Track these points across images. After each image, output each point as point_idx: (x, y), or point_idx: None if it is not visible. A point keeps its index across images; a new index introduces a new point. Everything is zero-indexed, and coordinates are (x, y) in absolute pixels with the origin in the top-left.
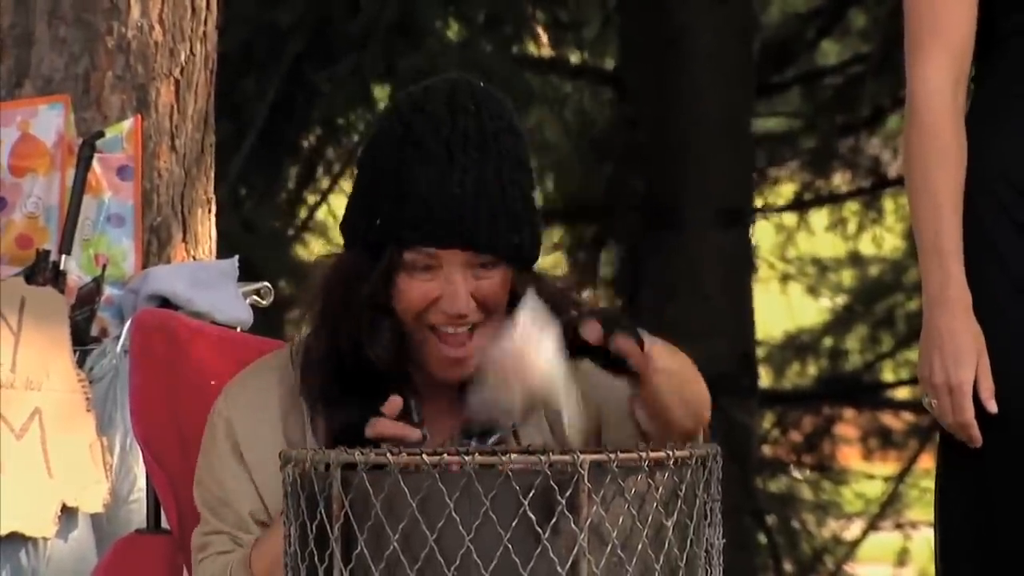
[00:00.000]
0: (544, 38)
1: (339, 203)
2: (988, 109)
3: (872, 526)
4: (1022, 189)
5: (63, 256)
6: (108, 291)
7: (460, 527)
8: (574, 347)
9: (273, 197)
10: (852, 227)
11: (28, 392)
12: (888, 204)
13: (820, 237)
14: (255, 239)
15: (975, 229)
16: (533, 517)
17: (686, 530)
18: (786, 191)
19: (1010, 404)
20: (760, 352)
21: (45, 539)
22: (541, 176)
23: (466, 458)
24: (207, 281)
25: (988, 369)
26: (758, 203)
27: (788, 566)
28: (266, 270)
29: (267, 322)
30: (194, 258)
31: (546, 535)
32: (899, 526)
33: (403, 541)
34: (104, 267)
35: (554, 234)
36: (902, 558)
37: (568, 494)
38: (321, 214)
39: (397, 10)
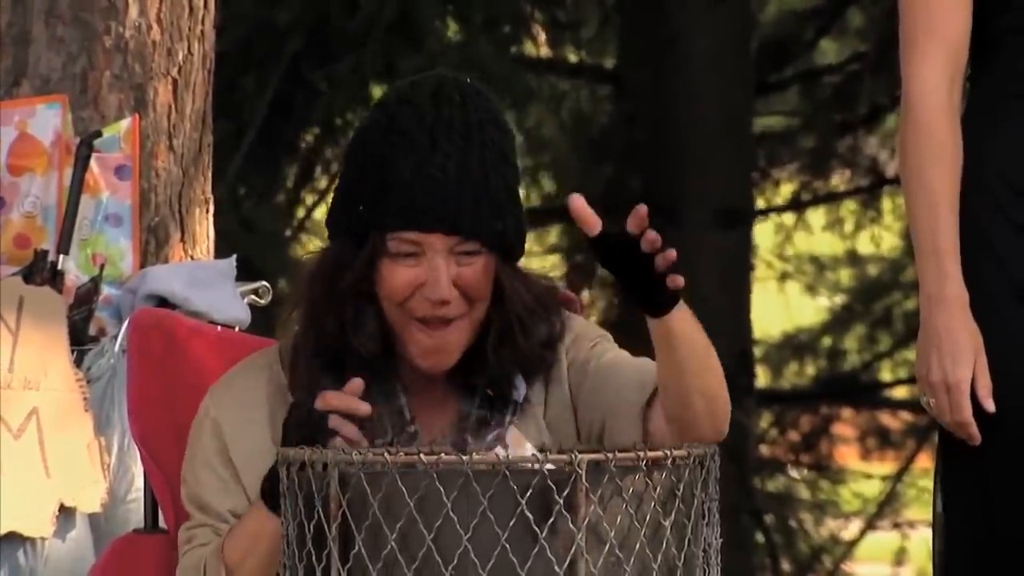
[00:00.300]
0: (543, 38)
1: None
2: (984, 108)
3: (870, 525)
4: (1019, 189)
5: (61, 256)
6: (106, 291)
7: (458, 527)
8: (609, 254)
9: (271, 197)
10: (850, 226)
11: (26, 392)
12: (886, 203)
13: (818, 236)
14: (253, 238)
15: (972, 229)
16: (531, 516)
17: (684, 529)
18: (784, 190)
19: (1008, 403)
20: (758, 351)
21: (43, 539)
22: (539, 176)
23: (464, 458)
24: (205, 281)
25: (986, 367)
26: (757, 202)
27: (786, 565)
28: (264, 269)
29: (265, 321)
30: (192, 258)
31: (544, 535)
32: (897, 525)
33: (401, 541)
34: (102, 267)
35: (552, 235)
36: (900, 557)
37: (566, 494)
38: (319, 214)
39: (396, 9)
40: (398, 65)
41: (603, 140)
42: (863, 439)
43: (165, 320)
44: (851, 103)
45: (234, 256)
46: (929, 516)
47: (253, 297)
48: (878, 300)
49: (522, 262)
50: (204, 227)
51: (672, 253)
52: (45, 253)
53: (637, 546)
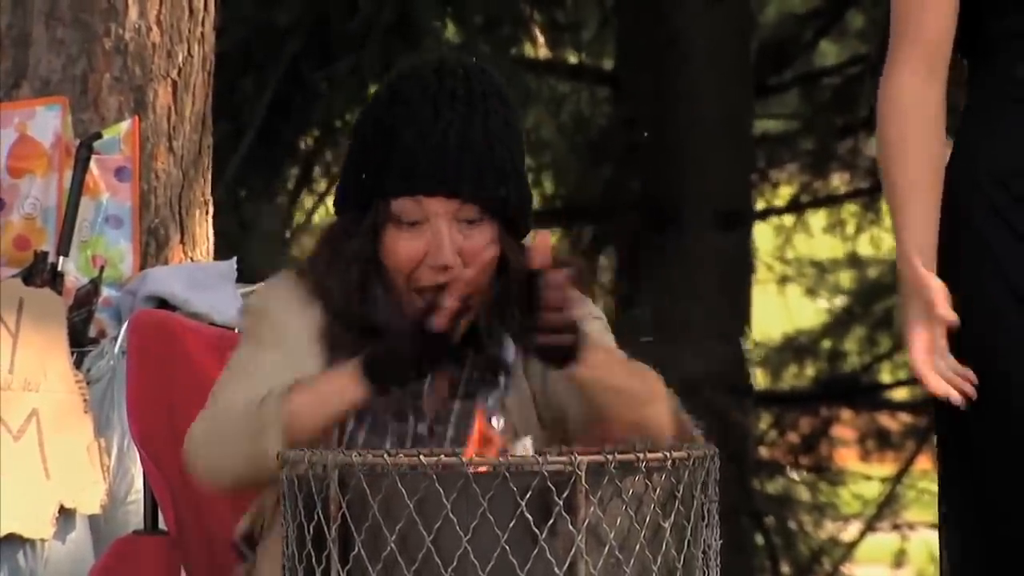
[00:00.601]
0: (542, 39)
1: None
2: (981, 112)
3: (869, 527)
4: (1017, 194)
5: (61, 257)
6: (106, 292)
7: (457, 528)
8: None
9: (271, 198)
10: (850, 228)
11: (26, 393)
12: (886, 205)
13: (818, 238)
14: (253, 240)
15: (968, 231)
16: (530, 518)
17: (683, 531)
18: (784, 192)
19: (1012, 409)
20: (758, 353)
21: (43, 540)
22: (539, 177)
23: (463, 459)
24: (205, 282)
25: (944, 332)
26: (756, 204)
27: (785, 567)
28: (264, 271)
29: None
30: (191, 259)
31: (543, 536)
32: (896, 527)
33: (400, 542)
34: (102, 268)
35: (551, 236)
36: (899, 559)
37: (565, 495)
38: (319, 215)
39: (395, 11)
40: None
41: (602, 142)
42: (863, 441)
43: (165, 322)
44: (851, 105)
45: (234, 258)
46: (929, 518)
47: None
48: (878, 302)
49: None
50: (204, 229)
51: (565, 315)
52: (45, 255)
53: (637, 547)
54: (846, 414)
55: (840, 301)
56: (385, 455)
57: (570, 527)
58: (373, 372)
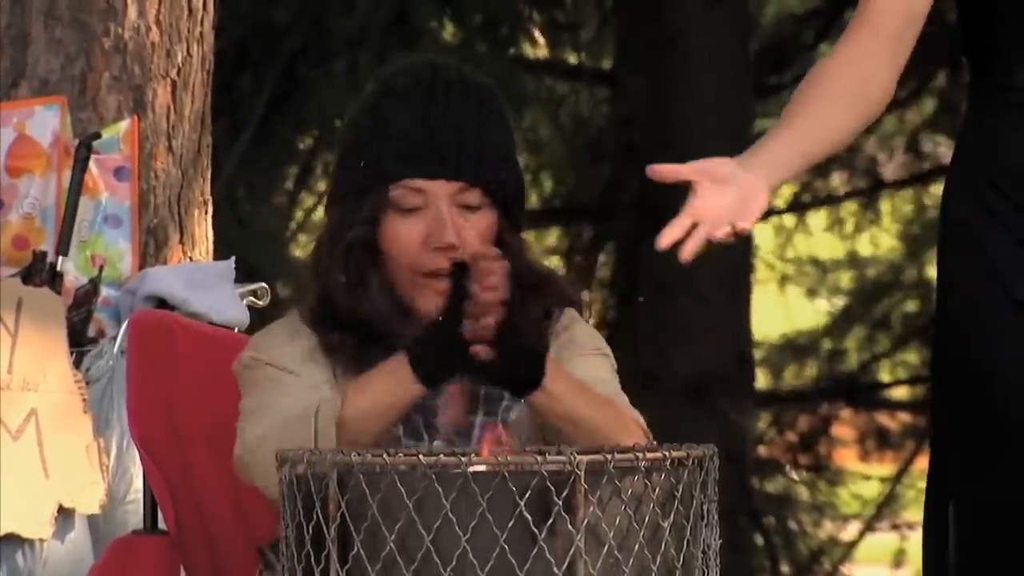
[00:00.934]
0: (541, 39)
1: None
2: (980, 116)
3: (869, 527)
4: (1016, 200)
5: (60, 257)
6: (105, 292)
7: (456, 528)
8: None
9: (270, 197)
10: (850, 228)
11: (25, 393)
12: (885, 205)
13: (818, 238)
14: (252, 239)
15: (965, 233)
16: (530, 518)
17: (683, 531)
18: (784, 192)
19: (1010, 416)
20: (757, 353)
21: (42, 540)
22: (538, 177)
23: (463, 459)
24: (204, 282)
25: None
26: None
27: (785, 567)
28: (263, 271)
29: (264, 323)
30: (191, 259)
31: (543, 536)
32: (896, 527)
33: (399, 542)
34: (101, 268)
35: (551, 236)
36: (899, 559)
37: (564, 495)
38: (318, 214)
39: (392, 10)
40: None
41: (601, 142)
42: (862, 440)
43: (164, 321)
44: None
45: (233, 258)
46: None
47: (252, 298)
48: (877, 301)
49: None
50: (203, 228)
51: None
52: (44, 254)
53: (636, 547)
54: (845, 413)
55: (839, 300)
56: (384, 455)
57: (569, 527)
58: (422, 364)
